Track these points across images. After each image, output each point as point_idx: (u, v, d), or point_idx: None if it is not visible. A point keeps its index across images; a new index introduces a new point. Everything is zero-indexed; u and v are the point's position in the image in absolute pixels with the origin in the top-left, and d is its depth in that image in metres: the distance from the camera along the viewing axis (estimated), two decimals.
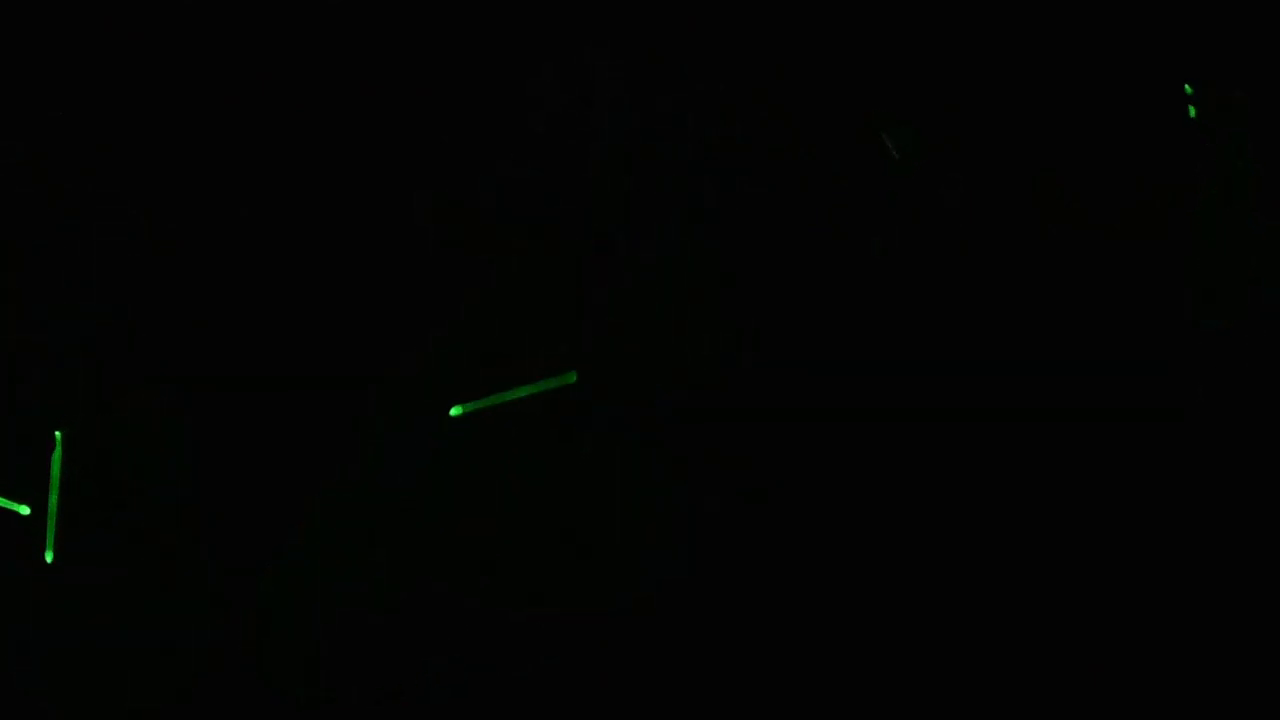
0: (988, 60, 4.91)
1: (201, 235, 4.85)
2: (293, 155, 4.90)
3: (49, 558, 4.62)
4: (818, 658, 4.60)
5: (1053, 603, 4.61)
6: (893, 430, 4.78)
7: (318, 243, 4.91)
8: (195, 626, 4.63)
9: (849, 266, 4.90)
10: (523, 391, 4.83)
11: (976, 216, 4.88)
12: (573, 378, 4.80)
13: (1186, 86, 4.59)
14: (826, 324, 4.87)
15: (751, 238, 4.93)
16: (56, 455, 4.66)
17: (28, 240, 4.77)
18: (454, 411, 4.81)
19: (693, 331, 4.89)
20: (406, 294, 4.93)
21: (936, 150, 4.91)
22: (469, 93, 4.97)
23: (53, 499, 4.64)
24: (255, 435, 4.78)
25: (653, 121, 4.96)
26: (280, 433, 4.80)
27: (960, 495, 4.70)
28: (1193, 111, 4.68)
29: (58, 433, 4.67)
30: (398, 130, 4.95)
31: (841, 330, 4.86)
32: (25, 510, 4.64)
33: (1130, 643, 4.55)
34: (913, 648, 4.60)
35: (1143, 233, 4.83)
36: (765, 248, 4.92)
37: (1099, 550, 4.64)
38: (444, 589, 4.67)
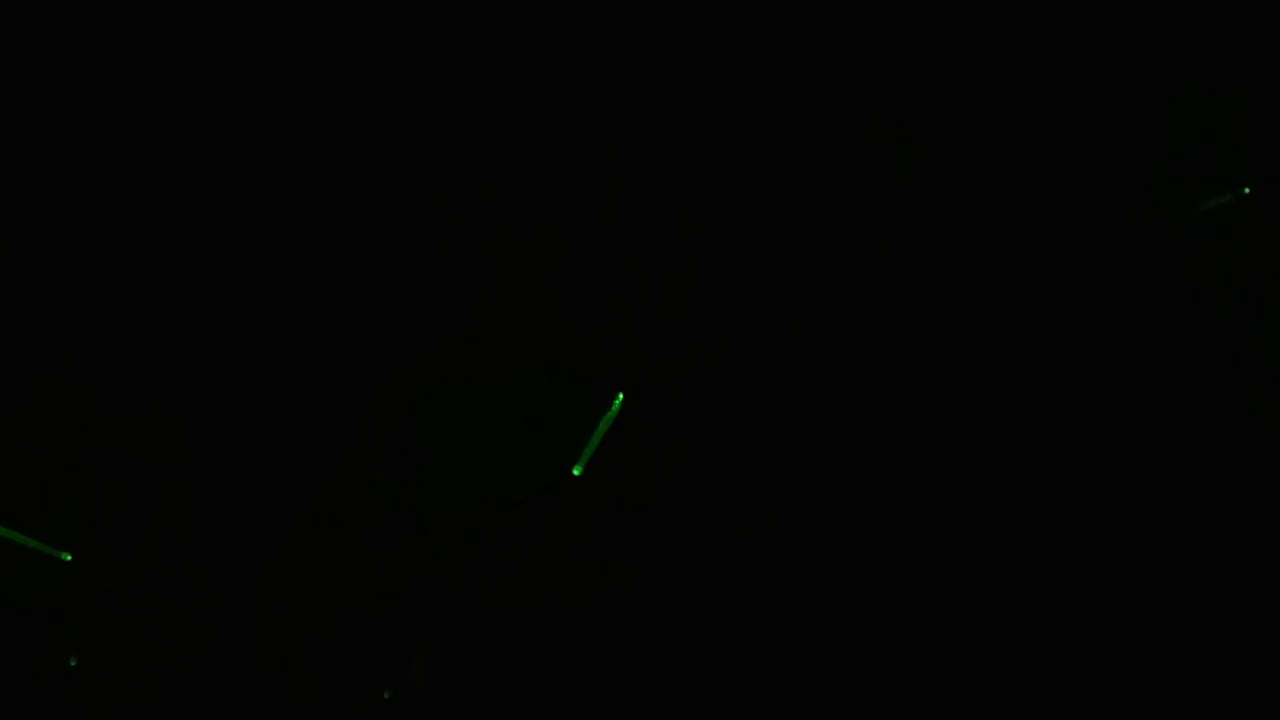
0: (987, 61, 4.91)
1: (201, 235, 4.87)
2: (292, 156, 4.91)
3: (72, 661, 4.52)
4: (817, 662, 4.60)
5: (1054, 607, 4.61)
6: (893, 430, 4.79)
7: (317, 243, 4.92)
8: (194, 625, 4.65)
9: (849, 267, 4.90)
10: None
11: (976, 217, 4.88)
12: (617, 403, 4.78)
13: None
14: (826, 324, 4.88)
15: (751, 238, 4.93)
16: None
17: (27, 240, 4.78)
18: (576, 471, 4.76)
19: (690, 332, 4.90)
20: (406, 294, 4.94)
21: (937, 151, 4.92)
22: (469, 93, 4.97)
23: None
24: (255, 435, 4.80)
25: (652, 121, 4.97)
26: (280, 432, 4.82)
27: (960, 496, 4.71)
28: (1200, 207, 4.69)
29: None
30: (398, 130, 4.95)
31: (841, 330, 4.87)
32: (67, 556, 4.55)
33: (1128, 646, 4.56)
34: (912, 652, 4.60)
35: (1141, 233, 4.83)
36: (764, 248, 4.93)
37: (1099, 551, 4.65)
38: (441, 588, 4.69)
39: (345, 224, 4.95)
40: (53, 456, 4.67)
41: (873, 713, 4.56)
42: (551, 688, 4.61)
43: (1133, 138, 4.89)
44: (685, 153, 4.97)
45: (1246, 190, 4.61)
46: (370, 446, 4.84)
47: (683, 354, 4.90)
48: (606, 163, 4.99)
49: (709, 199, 4.97)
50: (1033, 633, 4.58)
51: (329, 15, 4.89)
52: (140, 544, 4.68)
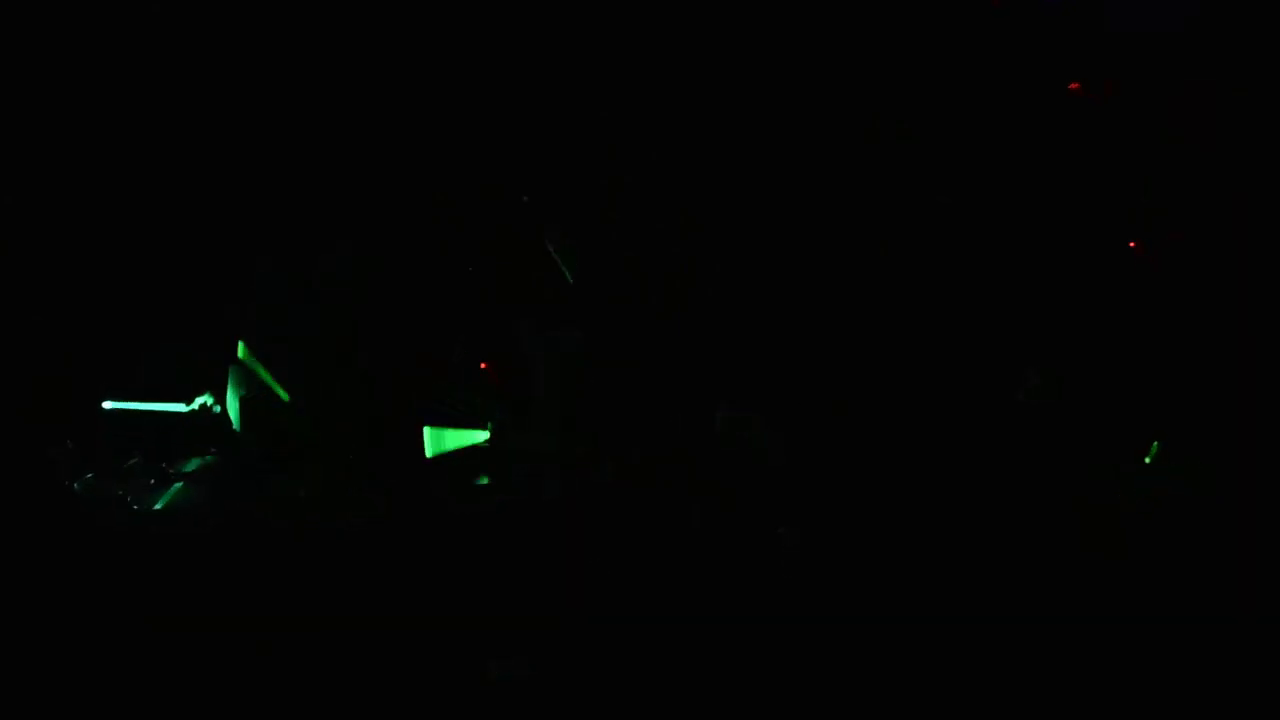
0: (987, 63, 4.92)
1: (199, 235, 4.88)
2: (292, 157, 4.92)
3: None
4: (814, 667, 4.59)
5: (1060, 612, 4.59)
6: (892, 429, 4.79)
7: (317, 243, 4.94)
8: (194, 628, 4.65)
9: (849, 267, 4.91)
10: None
11: (975, 217, 4.89)
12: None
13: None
14: (825, 323, 4.89)
15: (751, 238, 4.94)
16: None
17: (27, 240, 4.79)
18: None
19: (688, 330, 4.91)
20: (406, 294, 4.95)
21: (937, 151, 4.93)
22: (469, 92, 4.98)
23: None
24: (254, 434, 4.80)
25: (652, 121, 4.97)
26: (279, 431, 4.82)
27: (957, 493, 4.70)
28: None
29: None
30: (397, 130, 4.96)
31: (840, 329, 4.87)
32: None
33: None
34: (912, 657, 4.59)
35: (1138, 235, 4.84)
36: (764, 248, 4.94)
37: (1099, 547, 4.64)
38: (437, 587, 4.68)
39: (345, 224, 4.96)
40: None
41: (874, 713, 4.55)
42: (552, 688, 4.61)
43: (1131, 138, 4.90)
44: (685, 153, 4.97)
45: None
46: (371, 444, 4.85)
47: (683, 354, 4.90)
48: (606, 163, 5.00)
49: (709, 199, 4.97)
50: (1029, 629, 4.58)
51: (329, 15, 4.89)
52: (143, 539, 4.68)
